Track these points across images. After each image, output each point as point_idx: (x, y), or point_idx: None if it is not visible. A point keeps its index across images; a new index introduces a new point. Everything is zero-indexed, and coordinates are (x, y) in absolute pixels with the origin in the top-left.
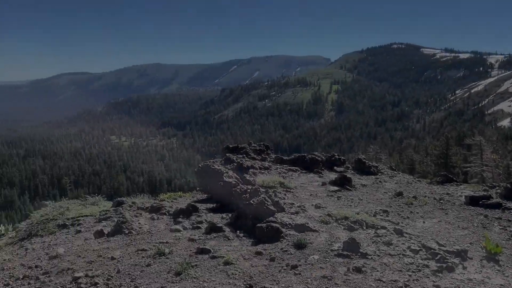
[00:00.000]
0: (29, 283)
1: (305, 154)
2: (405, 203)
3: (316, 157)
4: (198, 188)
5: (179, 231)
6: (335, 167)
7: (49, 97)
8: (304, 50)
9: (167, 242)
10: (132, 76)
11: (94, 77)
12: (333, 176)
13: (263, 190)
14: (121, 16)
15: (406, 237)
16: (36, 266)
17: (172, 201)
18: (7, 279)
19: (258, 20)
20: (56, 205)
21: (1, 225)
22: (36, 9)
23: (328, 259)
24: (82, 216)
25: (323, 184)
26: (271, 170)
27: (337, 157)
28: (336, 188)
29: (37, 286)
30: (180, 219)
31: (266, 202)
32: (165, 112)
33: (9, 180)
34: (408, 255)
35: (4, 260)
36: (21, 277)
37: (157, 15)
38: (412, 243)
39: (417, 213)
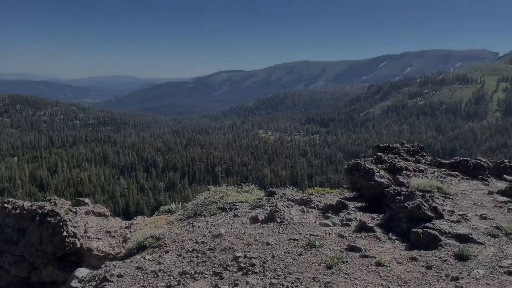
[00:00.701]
0: (197, 256)
1: (468, 159)
2: None
3: (482, 163)
4: (345, 186)
5: (328, 226)
6: (504, 176)
7: (208, 92)
8: (465, 43)
9: (317, 235)
10: (281, 73)
11: (247, 75)
12: (502, 185)
13: (419, 193)
14: (274, 18)
15: None
16: (202, 242)
17: (320, 196)
18: (179, 250)
19: (412, 13)
20: (217, 190)
21: (173, 203)
22: (203, 19)
23: (496, 276)
24: (238, 202)
25: (490, 193)
26: (426, 173)
27: (507, 164)
28: (506, 199)
29: (203, 259)
30: (329, 215)
31: (422, 206)
32: (310, 109)
33: (173, 165)
34: None
35: (176, 233)
36: (190, 249)
37: (305, 14)
38: None
39: None
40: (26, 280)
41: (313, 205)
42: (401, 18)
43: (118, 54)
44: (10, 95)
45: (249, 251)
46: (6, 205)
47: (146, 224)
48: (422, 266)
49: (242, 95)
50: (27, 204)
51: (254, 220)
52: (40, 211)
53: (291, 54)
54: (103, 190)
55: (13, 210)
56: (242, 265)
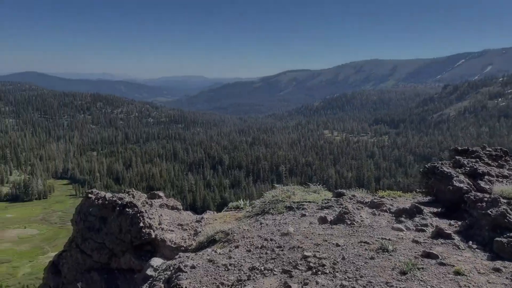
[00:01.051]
0: (266, 253)
1: None
2: None
3: None
4: (418, 190)
5: (401, 230)
6: None
7: (274, 92)
8: None
9: (389, 239)
10: (349, 72)
11: (313, 74)
12: None
13: (504, 201)
14: (342, 16)
15: None
16: (271, 240)
17: (392, 199)
18: (248, 246)
19: (493, 9)
20: (284, 188)
21: (241, 200)
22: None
23: None
24: (306, 202)
25: None
26: (511, 179)
27: None
28: None
29: (273, 257)
30: (402, 219)
31: (508, 214)
32: (379, 109)
33: (238, 163)
34: None
35: (244, 229)
36: (259, 246)
37: (375, 11)
38: None
39: None
40: (106, 266)
41: (384, 208)
42: (481, 13)
43: (190, 55)
44: (92, 93)
45: (319, 251)
46: (90, 195)
47: (216, 219)
48: (507, 278)
49: (308, 94)
50: (108, 195)
51: (323, 220)
52: (120, 202)
53: (360, 53)
54: (173, 185)
55: (96, 200)
56: (311, 264)
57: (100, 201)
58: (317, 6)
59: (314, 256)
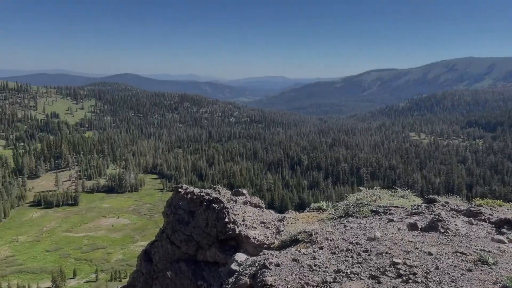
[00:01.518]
0: (352, 256)
1: None
2: None
3: None
4: None
5: (503, 242)
6: None
7: (357, 92)
8: None
9: (489, 251)
10: (439, 71)
11: (400, 73)
12: None
13: None
14: (432, 12)
15: None
16: (356, 243)
17: (491, 209)
18: (333, 248)
19: None
20: (369, 192)
21: (323, 201)
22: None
23: None
24: (393, 207)
25: None
26: None
27: None
28: None
29: (359, 261)
30: (504, 230)
31: None
32: (473, 111)
33: (317, 164)
34: None
35: (328, 231)
36: (344, 249)
37: (469, 5)
38: None
39: None
40: (193, 257)
41: (483, 217)
42: None
43: (271, 56)
44: (179, 93)
45: (409, 259)
46: (180, 190)
47: (298, 219)
48: None
49: (393, 94)
50: (196, 190)
51: (413, 227)
52: (207, 197)
53: (452, 50)
54: (252, 183)
55: (185, 195)
56: (401, 272)
57: (188, 196)
58: (406, 2)
59: (404, 263)
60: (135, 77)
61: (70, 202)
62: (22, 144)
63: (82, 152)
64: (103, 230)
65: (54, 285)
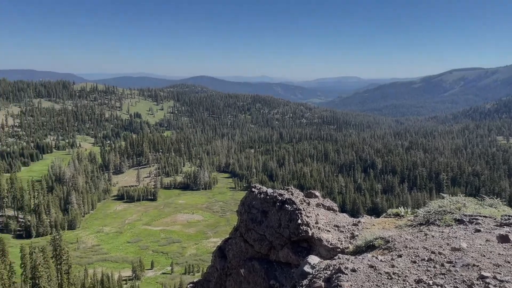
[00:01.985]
0: (434, 267)
1: None
2: None
3: None
4: None
5: None
6: None
7: (437, 93)
8: None
9: None
10: None
11: (486, 73)
12: None
13: None
14: None
15: None
16: (439, 253)
17: None
18: (413, 257)
19: None
20: (453, 199)
21: (401, 207)
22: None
23: None
24: (480, 216)
25: None
26: None
27: None
28: None
29: (442, 272)
30: None
31: None
32: None
33: (392, 167)
34: None
35: (407, 239)
36: (426, 258)
37: None
38: None
39: None
40: (266, 257)
41: None
42: None
43: (345, 56)
44: (252, 95)
45: (500, 273)
46: (253, 189)
47: (373, 225)
48: None
49: (478, 95)
50: (270, 190)
51: (503, 239)
52: (280, 198)
53: None
54: (322, 186)
55: (258, 195)
56: (491, 286)
57: (262, 196)
58: None
59: (494, 277)
60: (211, 79)
61: (150, 197)
62: (109, 142)
63: (161, 150)
64: (179, 225)
65: (134, 274)
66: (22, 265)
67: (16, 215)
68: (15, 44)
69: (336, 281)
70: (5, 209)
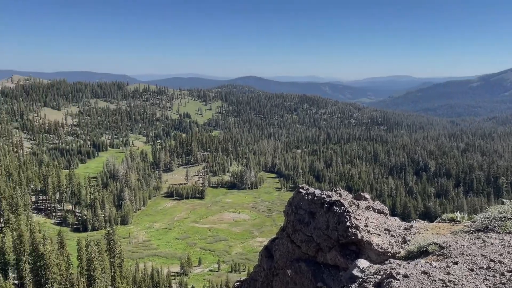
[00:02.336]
0: (494, 276)
1: None
2: None
3: None
4: None
5: None
6: None
7: (497, 92)
8: None
9: None
10: None
11: None
12: None
13: None
14: None
15: None
16: (499, 262)
17: None
18: (470, 264)
19: None
20: None
21: (457, 213)
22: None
23: None
24: None
25: None
26: None
27: None
28: None
29: (503, 281)
30: None
31: None
32: None
33: (446, 170)
34: None
35: (463, 245)
36: (484, 267)
37: None
38: None
39: None
40: (313, 258)
41: None
42: None
43: (397, 54)
44: (299, 95)
45: None
46: (301, 190)
47: (427, 230)
48: None
49: None
50: (317, 191)
51: None
52: (328, 199)
53: None
54: (371, 188)
55: (306, 195)
56: None
57: (309, 197)
58: None
59: None
60: (258, 79)
61: (197, 195)
62: (159, 140)
63: (209, 149)
64: (225, 224)
65: (182, 270)
66: (79, 257)
67: (73, 210)
68: (76, 47)
69: (387, 286)
70: (64, 203)
